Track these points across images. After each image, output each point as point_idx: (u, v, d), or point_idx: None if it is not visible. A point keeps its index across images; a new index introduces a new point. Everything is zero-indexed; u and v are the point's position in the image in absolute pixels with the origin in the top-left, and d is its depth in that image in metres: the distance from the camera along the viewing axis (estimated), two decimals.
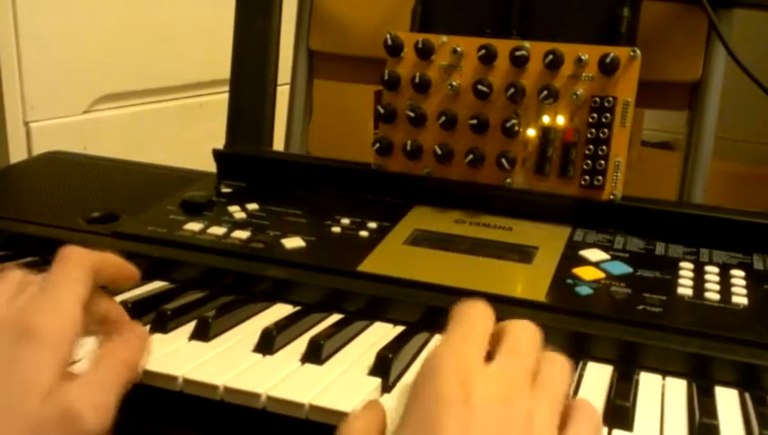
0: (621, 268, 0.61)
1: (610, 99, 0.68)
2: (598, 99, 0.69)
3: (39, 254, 0.67)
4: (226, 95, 0.87)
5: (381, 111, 0.76)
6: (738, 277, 0.60)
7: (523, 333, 0.42)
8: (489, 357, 0.41)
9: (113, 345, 0.46)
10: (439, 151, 0.73)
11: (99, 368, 0.44)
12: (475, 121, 0.72)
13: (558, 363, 0.42)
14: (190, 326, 0.55)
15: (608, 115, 0.69)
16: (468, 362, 0.39)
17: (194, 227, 0.68)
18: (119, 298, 0.56)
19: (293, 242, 0.66)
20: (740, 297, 0.57)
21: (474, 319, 0.43)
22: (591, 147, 0.69)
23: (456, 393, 0.37)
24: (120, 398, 0.43)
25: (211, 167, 0.83)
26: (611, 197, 0.69)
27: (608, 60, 0.68)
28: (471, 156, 0.72)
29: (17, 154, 1.23)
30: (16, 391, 0.41)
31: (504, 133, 0.71)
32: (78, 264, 0.48)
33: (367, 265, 0.62)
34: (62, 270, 0.47)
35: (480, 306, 0.44)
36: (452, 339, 0.41)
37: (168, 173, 0.84)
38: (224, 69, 0.88)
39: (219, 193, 0.76)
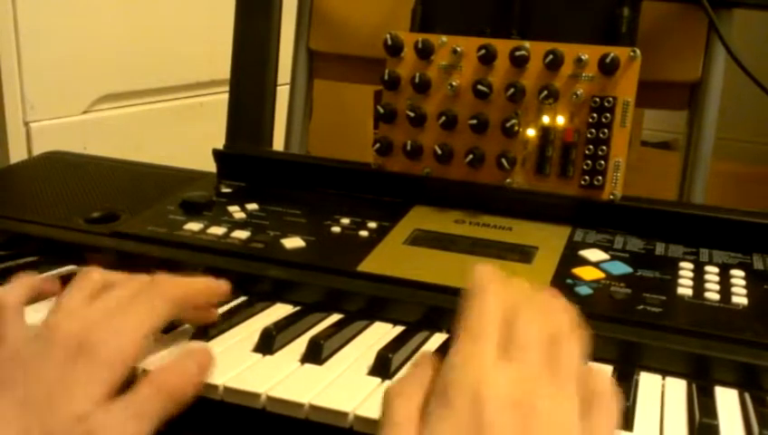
0: (621, 268, 0.61)
1: (610, 99, 0.68)
2: (598, 99, 0.69)
3: (39, 254, 0.67)
4: (226, 95, 0.87)
5: (381, 111, 0.76)
6: (738, 277, 0.60)
7: (531, 321, 0.40)
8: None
9: (164, 372, 0.45)
10: (439, 151, 0.73)
11: (139, 396, 0.43)
12: (474, 121, 0.72)
13: (573, 341, 0.40)
14: (190, 326, 0.55)
15: (608, 115, 0.69)
16: (479, 369, 0.37)
17: (194, 227, 0.68)
18: None
19: (293, 242, 0.66)
20: (740, 297, 0.57)
21: (481, 315, 0.41)
22: (591, 147, 0.69)
23: (468, 412, 0.35)
24: (156, 426, 0.43)
25: (211, 167, 0.83)
26: (611, 197, 0.69)
27: (608, 60, 0.68)
28: (471, 156, 0.72)
29: (17, 154, 1.23)
30: (54, 406, 0.41)
31: (503, 133, 0.71)
32: (163, 296, 0.48)
33: (367, 265, 0.62)
34: (146, 296, 0.47)
35: (486, 299, 0.41)
36: (461, 345, 0.39)
37: (168, 173, 0.84)
38: (224, 69, 0.88)
39: (219, 193, 0.76)
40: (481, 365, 0.37)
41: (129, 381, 0.44)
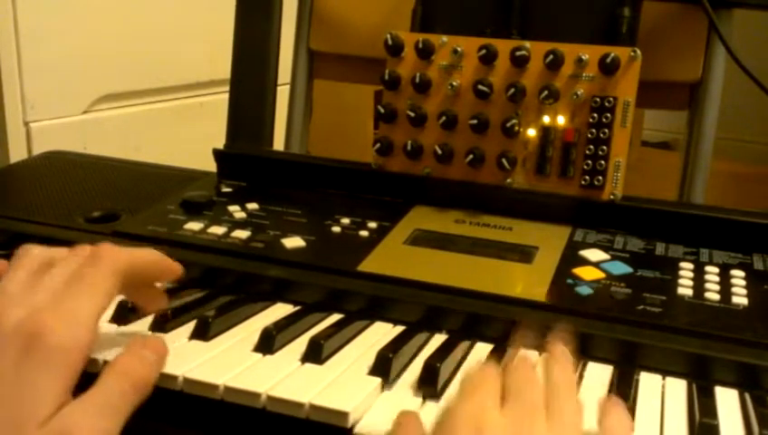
0: (621, 268, 0.61)
1: (611, 99, 0.68)
2: (598, 99, 0.69)
3: None
4: (226, 95, 0.87)
5: (381, 110, 0.76)
6: (738, 277, 0.60)
7: (521, 373, 0.43)
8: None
9: (124, 363, 0.43)
10: (439, 151, 0.73)
11: (104, 389, 0.41)
12: (475, 121, 0.72)
13: (563, 389, 0.42)
14: (190, 326, 0.55)
15: (608, 115, 0.69)
16: (482, 410, 0.39)
17: (194, 226, 0.68)
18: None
19: (293, 242, 0.66)
20: (740, 297, 0.57)
21: (482, 378, 0.42)
22: (592, 147, 0.69)
23: None
24: (125, 420, 0.41)
25: (211, 167, 0.83)
26: (611, 197, 0.69)
27: (608, 60, 0.68)
28: (471, 156, 0.72)
29: (17, 154, 1.23)
30: (16, 417, 0.39)
31: (504, 133, 0.71)
32: (109, 268, 0.45)
33: (367, 265, 0.62)
34: (90, 273, 0.45)
35: (486, 369, 0.43)
36: (465, 392, 0.41)
37: (168, 173, 0.84)
38: (224, 69, 0.88)
39: (219, 193, 0.76)
40: (482, 406, 0.39)
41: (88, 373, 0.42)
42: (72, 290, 0.44)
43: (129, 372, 0.43)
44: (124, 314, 0.56)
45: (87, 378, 0.43)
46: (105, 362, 0.47)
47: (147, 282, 0.53)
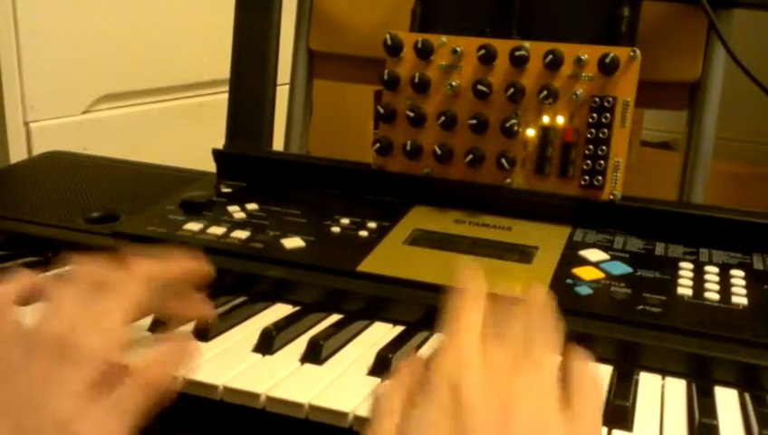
0: (621, 268, 0.61)
1: (610, 99, 0.68)
2: (597, 99, 0.69)
3: (39, 254, 0.67)
4: (226, 95, 0.87)
5: (381, 111, 0.76)
6: (738, 277, 0.60)
7: (515, 315, 0.43)
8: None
9: (144, 366, 0.44)
10: (439, 151, 0.73)
11: (121, 391, 0.42)
12: (474, 121, 0.72)
13: (548, 338, 0.42)
14: (190, 326, 0.55)
15: (607, 115, 0.69)
16: (459, 355, 0.39)
17: (194, 226, 0.68)
18: None
19: (293, 242, 0.66)
20: (740, 297, 0.57)
21: (463, 310, 0.43)
22: (591, 147, 0.69)
23: (446, 397, 0.37)
24: (139, 420, 0.42)
25: (211, 167, 0.83)
26: (611, 197, 0.69)
27: (607, 60, 0.68)
28: (471, 156, 0.72)
29: (17, 154, 1.23)
30: (35, 408, 0.40)
31: (503, 133, 0.71)
32: (136, 280, 0.46)
33: (366, 265, 0.62)
34: (116, 286, 0.46)
35: (468, 295, 0.44)
36: (444, 340, 0.41)
37: (168, 173, 0.84)
38: (224, 69, 0.88)
39: (219, 193, 0.76)
40: (461, 352, 0.40)
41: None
42: (102, 304, 0.45)
43: (144, 375, 0.44)
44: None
45: None
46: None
47: (181, 293, 0.53)
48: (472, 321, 0.42)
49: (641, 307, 0.56)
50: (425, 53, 0.74)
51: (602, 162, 0.69)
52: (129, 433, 0.42)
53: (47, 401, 0.40)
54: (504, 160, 0.71)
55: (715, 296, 0.57)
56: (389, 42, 0.75)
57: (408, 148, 0.74)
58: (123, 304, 0.45)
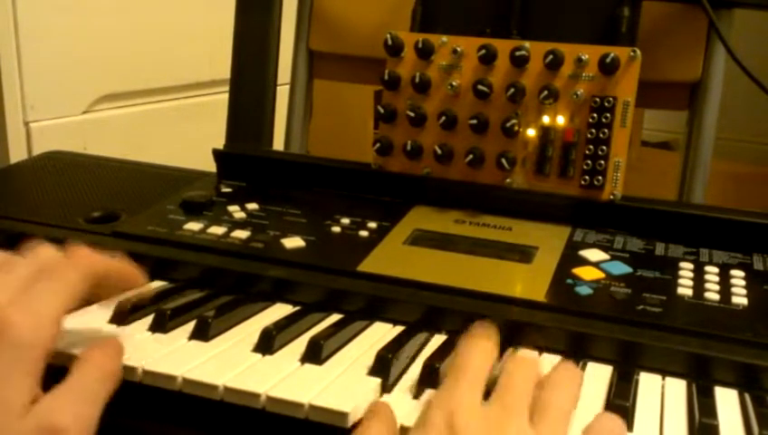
0: (621, 268, 0.61)
1: (610, 99, 0.68)
2: (598, 99, 0.69)
3: None
4: (226, 95, 0.87)
5: (381, 111, 0.76)
6: (738, 277, 0.60)
7: (518, 368, 0.43)
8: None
9: (93, 355, 0.44)
10: (439, 151, 0.73)
11: (80, 378, 0.42)
12: (474, 121, 0.72)
13: (561, 384, 0.42)
14: (190, 326, 0.55)
15: (608, 115, 0.69)
16: (458, 405, 0.39)
17: (194, 226, 0.68)
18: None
19: (293, 242, 0.66)
20: (740, 297, 0.57)
21: (470, 359, 0.43)
22: (591, 147, 0.69)
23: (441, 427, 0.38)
24: (102, 408, 0.42)
25: (211, 167, 0.83)
26: (611, 197, 0.69)
27: (608, 60, 0.68)
28: (471, 156, 0.72)
29: (17, 154, 1.23)
30: None
31: (503, 133, 0.71)
32: (80, 271, 0.45)
33: (366, 265, 0.62)
34: (57, 271, 0.45)
35: (480, 344, 0.44)
36: (446, 384, 0.42)
37: (168, 173, 0.84)
38: (224, 69, 0.88)
39: (219, 193, 0.76)
40: (459, 400, 0.39)
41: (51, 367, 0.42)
42: (39, 286, 0.44)
43: (99, 362, 0.44)
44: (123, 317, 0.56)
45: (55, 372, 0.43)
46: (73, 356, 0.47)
47: (112, 290, 0.53)
48: (478, 369, 0.42)
49: (641, 307, 0.56)
50: (425, 53, 0.74)
51: (602, 162, 0.69)
52: (98, 420, 0.41)
53: (3, 395, 0.39)
54: (504, 160, 0.71)
55: (715, 296, 0.57)
56: (390, 42, 0.75)
57: (409, 148, 0.74)
58: (64, 297, 0.44)
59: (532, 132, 0.72)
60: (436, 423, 0.38)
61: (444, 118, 0.73)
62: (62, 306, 0.44)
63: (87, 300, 0.53)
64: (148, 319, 0.56)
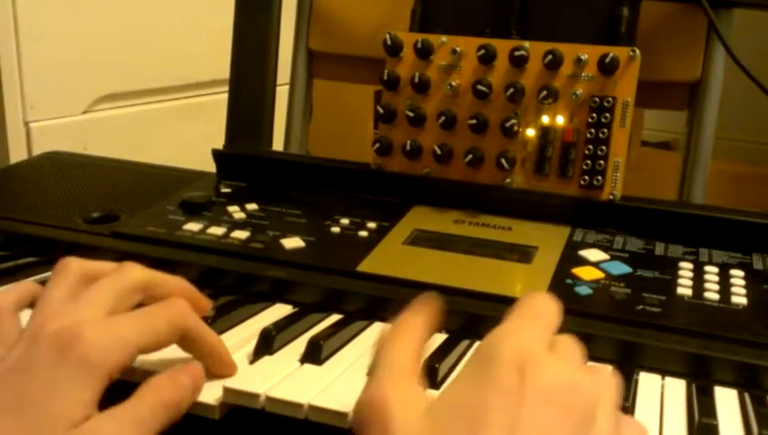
0: (621, 268, 0.61)
1: (610, 99, 0.68)
2: (597, 99, 0.69)
3: (39, 254, 0.67)
4: (226, 95, 0.87)
5: (381, 111, 0.76)
6: (738, 277, 0.60)
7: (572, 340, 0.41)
8: None
9: (159, 384, 0.43)
10: (439, 151, 0.73)
11: (136, 404, 0.41)
12: (474, 121, 0.72)
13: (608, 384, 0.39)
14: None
15: (607, 115, 0.69)
16: (529, 348, 0.36)
17: (193, 227, 0.68)
18: None
19: (293, 242, 0.66)
20: (739, 297, 0.57)
21: (540, 310, 0.41)
22: (591, 147, 0.69)
23: (511, 380, 0.35)
24: None
25: (211, 167, 0.83)
26: (611, 197, 0.69)
27: (607, 60, 0.68)
28: (470, 156, 0.72)
29: (17, 154, 1.23)
30: (49, 416, 0.39)
31: (503, 133, 0.71)
32: (171, 323, 0.45)
33: (366, 266, 0.62)
34: (151, 313, 0.45)
35: (549, 299, 0.42)
36: (514, 323, 0.39)
37: (167, 173, 0.84)
38: (224, 69, 0.88)
39: (219, 193, 0.76)
40: (530, 347, 0.36)
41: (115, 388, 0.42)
42: (127, 318, 0.44)
43: (161, 391, 0.43)
44: None
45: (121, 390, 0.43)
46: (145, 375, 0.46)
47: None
48: (546, 320, 0.41)
49: (641, 307, 0.56)
50: (425, 53, 0.74)
51: (602, 162, 0.69)
52: None
53: (58, 405, 0.39)
54: (503, 160, 0.71)
55: (715, 296, 0.57)
56: (389, 42, 0.75)
57: (408, 148, 0.74)
58: (148, 338, 0.44)
59: (531, 132, 0.72)
60: (505, 362, 0.35)
61: (443, 118, 0.73)
62: (142, 344, 0.43)
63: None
64: None
